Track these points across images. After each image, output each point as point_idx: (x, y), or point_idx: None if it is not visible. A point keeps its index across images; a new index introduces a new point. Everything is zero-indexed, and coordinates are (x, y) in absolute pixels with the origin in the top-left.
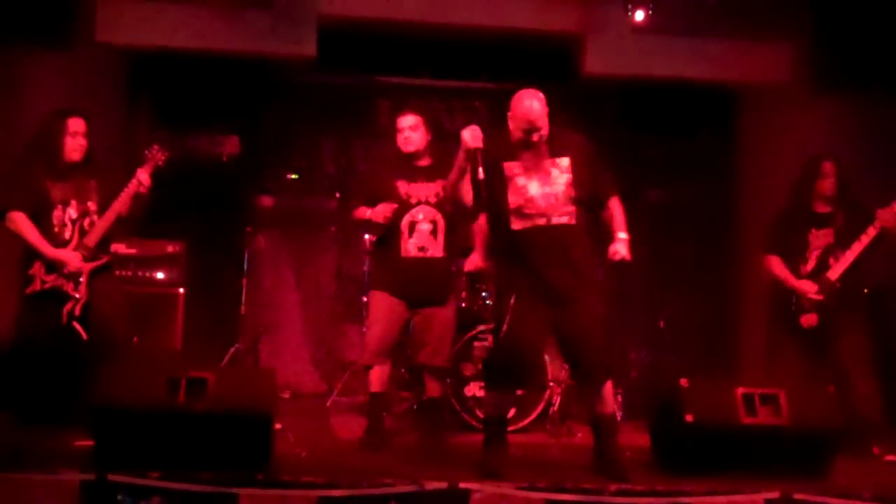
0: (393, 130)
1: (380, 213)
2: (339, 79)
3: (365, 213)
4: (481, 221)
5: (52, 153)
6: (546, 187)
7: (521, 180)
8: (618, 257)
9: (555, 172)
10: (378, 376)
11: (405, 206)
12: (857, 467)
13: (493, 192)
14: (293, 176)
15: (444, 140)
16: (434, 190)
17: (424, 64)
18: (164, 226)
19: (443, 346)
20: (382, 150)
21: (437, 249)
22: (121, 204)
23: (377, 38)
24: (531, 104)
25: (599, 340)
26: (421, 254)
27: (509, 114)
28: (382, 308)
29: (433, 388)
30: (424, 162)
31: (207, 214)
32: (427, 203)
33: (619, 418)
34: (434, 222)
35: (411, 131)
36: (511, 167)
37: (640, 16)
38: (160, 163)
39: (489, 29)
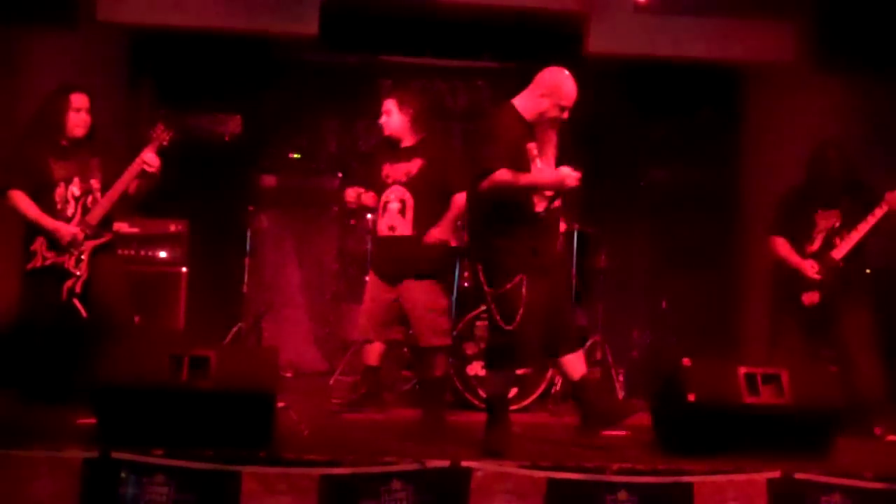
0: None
1: (359, 200)
2: (342, 58)
3: (352, 197)
4: (460, 197)
5: (56, 129)
6: (551, 167)
7: (538, 162)
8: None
9: (550, 151)
10: (371, 350)
11: (383, 186)
12: (859, 447)
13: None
14: (295, 155)
15: (446, 119)
16: (405, 169)
17: (427, 43)
18: (167, 205)
19: (423, 326)
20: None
21: (405, 228)
22: (124, 183)
23: (379, 17)
24: (573, 85)
25: (570, 311)
26: (390, 232)
27: (544, 90)
28: (370, 287)
29: (428, 367)
30: (406, 143)
31: (210, 194)
32: (398, 183)
33: (620, 398)
34: (403, 201)
35: (386, 115)
36: (532, 148)
37: None
38: (165, 143)
39: (492, 8)
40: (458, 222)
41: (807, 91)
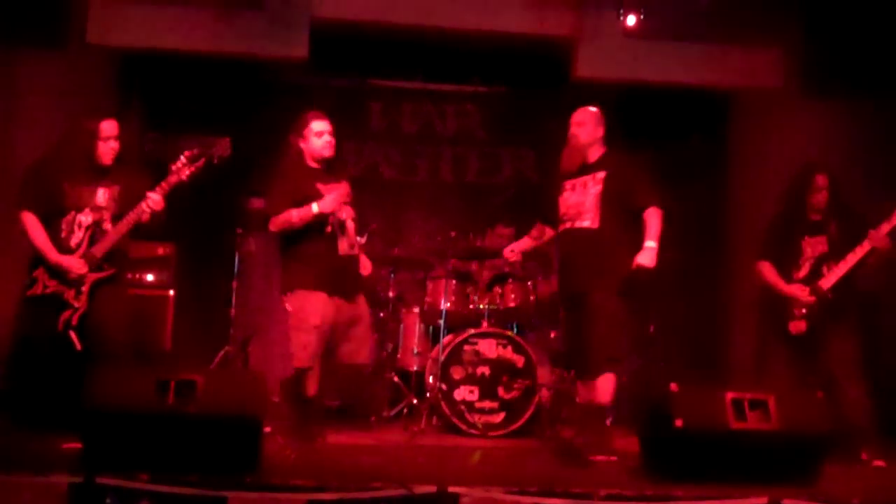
0: (310, 134)
1: (328, 203)
2: (331, 81)
3: (292, 214)
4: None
5: (82, 157)
6: (578, 196)
7: (567, 193)
8: (635, 264)
9: (590, 184)
10: (310, 379)
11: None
12: (846, 473)
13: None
14: None
15: (435, 143)
16: (346, 190)
17: (416, 67)
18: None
19: (365, 342)
20: (293, 154)
21: (357, 248)
22: (133, 217)
23: (369, 40)
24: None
25: (600, 331)
26: (351, 251)
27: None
28: (319, 307)
29: (362, 385)
30: (334, 164)
31: (197, 216)
32: (347, 203)
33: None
34: (355, 221)
35: (330, 135)
36: (566, 184)
37: (631, 21)
38: (185, 178)
39: (481, 33)
40: None
41: (795, 116)
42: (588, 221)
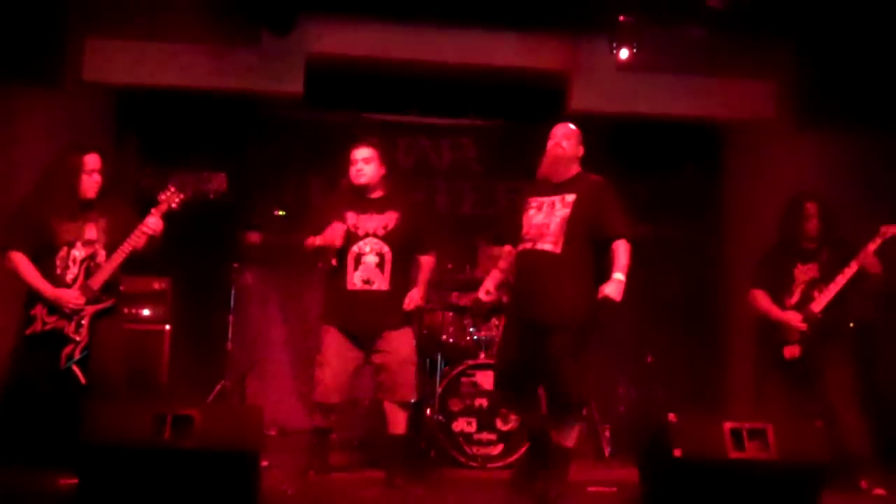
0: (347, 163)
1: (326, 236)
2: (327, 116)
3: (315, 241)
4: (427, 259)
5: (66, 191)
6: (545, 217)
7: (532, 211)
8: (601, 295)
9: (557, 206)
10: (325, 412)
11: (353, 237)
12: (846, 501)
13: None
14: (280, 213)
15: (430, 176)
16: (383, 222)
17: (412, 101)
18: (150, 262)
19: (399, 379)
20: (336, 183)
21: (382, 283)
22: (129, 246)
23: (364, 75)
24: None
25: (566, 375)
26: (366, 286)
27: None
28: (332, 344)
29: (394, 424)
30: (376, 194)
31: (194, 250)
32: (374, 235)
33: (606, 454)
34: (381, 255)
35: (364, 164)
36: (532, 201)
37: (624, 54)
38: (175, 205)
39: (476, 67)
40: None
41: (788, 147)
42: (549, 245)
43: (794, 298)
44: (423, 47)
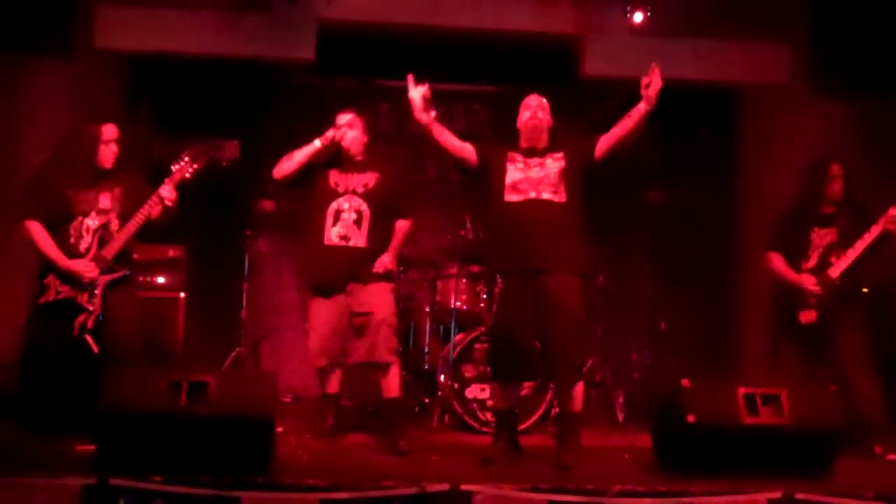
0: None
1: (329, 134)
2: (339, 82)
3: (293, 154)
4: (402, 223)
5: (84, 161)
6: (538, 172)
7: (520, 165)
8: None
9: (549, 162)
10: (329, 377)
11: (333, 194)
12: (860, 467)
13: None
14: None
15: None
16: (363, 181)
17: (424, 67)
18: (165, 231)
19: (380, 340)
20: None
21: (359, 239)
22: (142, 217)
23: (376, 41)
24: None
25: (570, 328)
26: (343, 242)
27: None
28: (316, 307)
29: (387, 387)
30: (359, 157)
31: (207, 219)
32: (354, 192)
33: (620, 420)
34: (359, 212)
35: (348, 127)
36: (513, 155)
37: (638, 17)
38: (188, 175)
39: (488, 32)
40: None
41: (803, 111)
42: (551, 195)
43: (812, 263)
44: (435, 12)
